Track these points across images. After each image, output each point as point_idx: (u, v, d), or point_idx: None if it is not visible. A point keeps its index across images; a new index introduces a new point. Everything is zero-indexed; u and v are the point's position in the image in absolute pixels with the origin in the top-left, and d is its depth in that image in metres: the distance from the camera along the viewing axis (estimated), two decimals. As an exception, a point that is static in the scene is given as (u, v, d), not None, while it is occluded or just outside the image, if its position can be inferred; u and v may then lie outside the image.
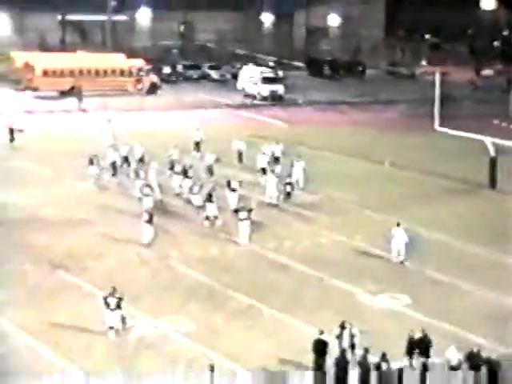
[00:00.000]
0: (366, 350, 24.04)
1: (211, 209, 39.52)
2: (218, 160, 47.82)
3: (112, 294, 27.14)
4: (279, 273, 35.16)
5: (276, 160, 48.41)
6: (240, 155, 49.02)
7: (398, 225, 34.73)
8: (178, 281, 34.51)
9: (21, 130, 55.48)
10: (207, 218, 39.21)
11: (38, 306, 30.69)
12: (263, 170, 46.09)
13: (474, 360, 25.37)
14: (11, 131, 55.47)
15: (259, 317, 30.66)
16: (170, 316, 30.43)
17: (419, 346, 26.52)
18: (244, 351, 27.40)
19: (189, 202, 42.51)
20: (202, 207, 40.63)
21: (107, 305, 26.97)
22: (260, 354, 27.25)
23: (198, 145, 50.93)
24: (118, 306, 27.20)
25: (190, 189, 42.67)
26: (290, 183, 44.16)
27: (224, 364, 25.82)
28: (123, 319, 27.47)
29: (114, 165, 47.29)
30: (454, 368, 24.39)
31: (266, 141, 53.31)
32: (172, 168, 45.92)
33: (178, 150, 49.27)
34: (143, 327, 29.49)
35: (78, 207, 42.79)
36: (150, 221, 36.16)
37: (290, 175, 45.32)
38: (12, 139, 55.35)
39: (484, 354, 25.64)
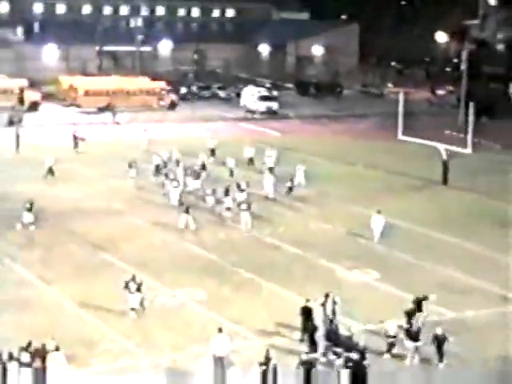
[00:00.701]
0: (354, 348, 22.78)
1: (228, 202, 39.00)
2: (237, 164, 47.62)
3: (133, 280, 26.23)
4: (274, 253, 35.00)
5: (270, 169, 47.30)
6: (251, 160, 49.62)
7: (379, 212, 35.57)
8: (193, 258, 34.18)
9: (83, 139, 54.55)
10: (228, 208, 38.73)
11: (82, 280, 30.32)
12: (270, 169, 45.64)
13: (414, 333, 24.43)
14: (75, 138, 54.86)
15: (258, 288, 30.62)
16: (187, 288, 30.19)
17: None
18: (246, 316, 27.42)
19: (203, 197, 41.01)
20: (220, 201, 39.54)
21: (128, 289, 26.12)
22: (259, 318, 27.31)
23: (213, 151, 50.75)
24: (138, 290, 26.34)
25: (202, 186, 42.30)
26: (292, 182, 43.95)
27: (230, 326, 25.58)
28: (142, 301, 26.40)
29: (157, 167, 46.65)
30: (390, 336, 24.20)
31: (265, 147, 53.16)
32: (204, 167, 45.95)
33: (205, 155, 49.10)
34: (165, 296, 29.11)
35: (116, 200, 42.27)
36: (186, 211, 35.95)
37: (293, 176, 45.02)
38: (76, 145, 54.69)
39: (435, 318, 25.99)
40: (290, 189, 42.44)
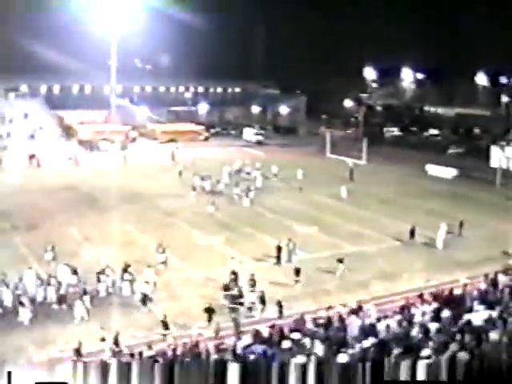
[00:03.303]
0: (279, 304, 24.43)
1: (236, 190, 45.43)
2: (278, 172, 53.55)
3: (160, 249, 29.05)
4: (262, 218, 40.01)
5: (258, 169, 54.12)
6: (274, 174, 54.04)
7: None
8: (217, 220, 38.76)
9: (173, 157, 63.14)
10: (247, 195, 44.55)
11: (157, 233, 34.58)
12: (275, 175, 53.50)
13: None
14: (173, 156, 62.92)
15: (253, 236, 35.25)
16: (213, 236, 34.82)
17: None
18: (246, 251, 31.85)
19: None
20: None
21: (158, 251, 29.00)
22: (253, 252, 31.85)
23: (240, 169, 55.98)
24: (163, 251, 28.97)
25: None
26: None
27: (237, 256, 29.92)
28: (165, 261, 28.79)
29: (229, 174, 52.46)
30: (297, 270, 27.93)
31: (258, 160, 59.01)
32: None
33: (230, 167, 53.78)
34: (200, 240, 33.82)
35: (182, 190, 47.73)
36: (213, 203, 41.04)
37: (296, 175, 52.48)
38: (173, 159, 61.60)
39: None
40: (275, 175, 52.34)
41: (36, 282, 25.27)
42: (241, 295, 24.40)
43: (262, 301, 23.88)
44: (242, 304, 24.16)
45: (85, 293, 24.29)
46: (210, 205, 39.58)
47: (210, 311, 22.90)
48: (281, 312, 23.72)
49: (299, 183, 49.87)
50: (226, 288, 24.66)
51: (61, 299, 24.51)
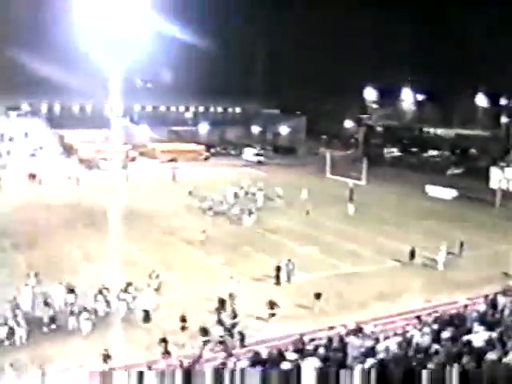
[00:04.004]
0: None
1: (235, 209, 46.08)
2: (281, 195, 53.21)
3: (153, 272, 28.54)
4: (262, 238, 39.99)
5: (260, 189, 53.94)
6: (278, 194, 53.48)
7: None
8: (216, 240, 38.43)
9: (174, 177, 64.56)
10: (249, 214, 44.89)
11: (157, 249, 35.91)
12: (278, 196, 53.06)
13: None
14: (173, 175, 63.89)
15: (250, 256, 35.40)
16: (215, 256, 35.02)
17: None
18: (244, 270, 31.93)
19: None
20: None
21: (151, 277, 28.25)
22: (251, 272, 31.86)
23: (242, 187, 56.04)
24: (157, 277, 28.51)
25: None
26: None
27: (236, 275, 29.52)
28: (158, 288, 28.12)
29: (236, 194, 53.07)
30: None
31: (259, 180, 59.14)
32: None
33: (234, 187, 54.13)
34: (199, 260, 34.15)
35: (179, 209, 48.50)
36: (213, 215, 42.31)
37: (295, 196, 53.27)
38: (174, 179, 62.87)
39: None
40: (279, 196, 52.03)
41: (32, 300, 25.21)
42: (233, 319, 23.87)
43: (241, 337, 22.89)
44: (229, 331, 23.32)
45: (85, 309, 24.11)
46: (201, 233, 37.55)
47: (204, 331, 22.54)
48: (273, 315, 24.31)
49: (304, 204, 49.59)
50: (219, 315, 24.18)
51: (52, 319, 24.16)
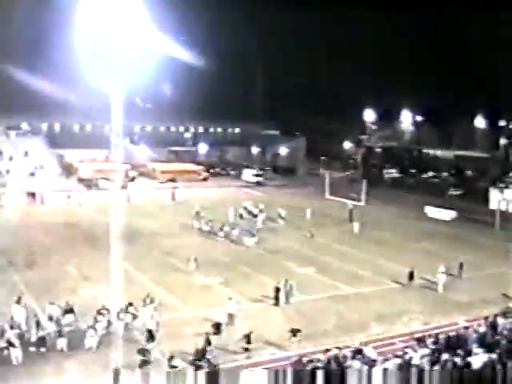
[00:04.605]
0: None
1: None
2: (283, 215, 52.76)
3: (147, 297, 27.52)
4: (262, 257, 40.46)
5: (261, 211, 53.97)
6: (279, 215, 52.97)
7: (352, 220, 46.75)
8: (216, 261, 38.45)
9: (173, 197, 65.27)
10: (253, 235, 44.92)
11: (156, 269, 36.02)
12: (280, 216, 52.61)
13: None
14: (173, 195, 64.92)
15: (251, 276, 35.32)
16: (213, 276, 34.89)
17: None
18: (244, 292, 31.63)
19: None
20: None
21: (144, 302, 27.07)
22: (250, 293, 31.61)
23: (246, 208, 55.90)
24: (152, 302, 27.41)
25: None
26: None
27: (235, 297, 29.14)
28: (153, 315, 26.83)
29: (242, 216, 53.36)
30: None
31: (258, 201, 59.61)
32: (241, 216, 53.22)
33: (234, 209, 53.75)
34: (198, 280, 33.93)
35: (177, 229, 48.61)
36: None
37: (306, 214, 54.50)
38: (173, 199, 63.90)
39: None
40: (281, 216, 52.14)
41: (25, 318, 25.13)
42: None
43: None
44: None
45: (91, 327, 24.26)
46: (192, 262, 36.16)
47: (199, 353, 22.25)
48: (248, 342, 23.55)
49: (307, 225, 49.98)
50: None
51: (40, 341, 23.72)
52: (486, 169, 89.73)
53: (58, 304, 26.18)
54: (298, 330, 25.17)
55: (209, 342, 23.18)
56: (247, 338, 24.24)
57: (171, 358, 21.37)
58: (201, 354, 22.38)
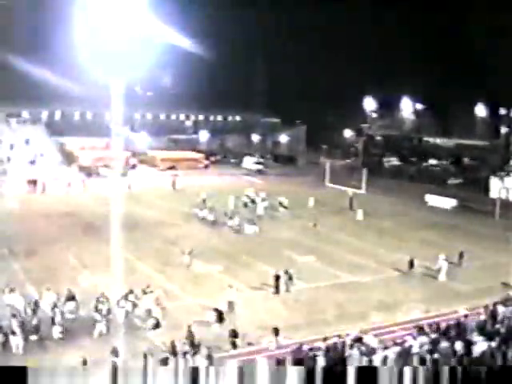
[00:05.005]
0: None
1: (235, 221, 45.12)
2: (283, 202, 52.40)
3: (147, 287, 27.19)
4: (261, 245, 40.15)
5: (263, 199, 53.52)
6: (280, 203, 52.32)
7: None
8: (216, 249, 38.68)
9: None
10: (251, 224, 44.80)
11: (156, 257, 36.07)
12: (281, 204, 52.16)
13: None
14: (173, 183, 64.51)
15: (250, 264, 35.32)
16: (212, 264, 34.70)
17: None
18: (242, 280, 31.65)
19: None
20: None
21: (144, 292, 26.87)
22: (249, 281, 31.36)
23: (248, 196, 55.02)
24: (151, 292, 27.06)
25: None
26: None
27: (236, 285, 29.15)
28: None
29: (246, 204, 53.15)
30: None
31: (259, 189, 59.14)
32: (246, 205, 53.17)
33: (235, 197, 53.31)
34: (198, 268, 33.92)
35: (178, 218, 48.36)
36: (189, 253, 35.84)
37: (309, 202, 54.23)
38: (174, 188, 63.56)
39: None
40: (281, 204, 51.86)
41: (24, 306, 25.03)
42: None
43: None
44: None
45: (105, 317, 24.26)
46: (187, 254, 34.72)
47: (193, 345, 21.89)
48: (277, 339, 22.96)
49: (309, 213, 50.29)
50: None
51: (36, 328, 23.54)
52: (487, 157, 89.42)
53: (56, 293, 25.89)
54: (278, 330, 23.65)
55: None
56: (234, 333, 23.29)
57: (173, 345, 20.93)
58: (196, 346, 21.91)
